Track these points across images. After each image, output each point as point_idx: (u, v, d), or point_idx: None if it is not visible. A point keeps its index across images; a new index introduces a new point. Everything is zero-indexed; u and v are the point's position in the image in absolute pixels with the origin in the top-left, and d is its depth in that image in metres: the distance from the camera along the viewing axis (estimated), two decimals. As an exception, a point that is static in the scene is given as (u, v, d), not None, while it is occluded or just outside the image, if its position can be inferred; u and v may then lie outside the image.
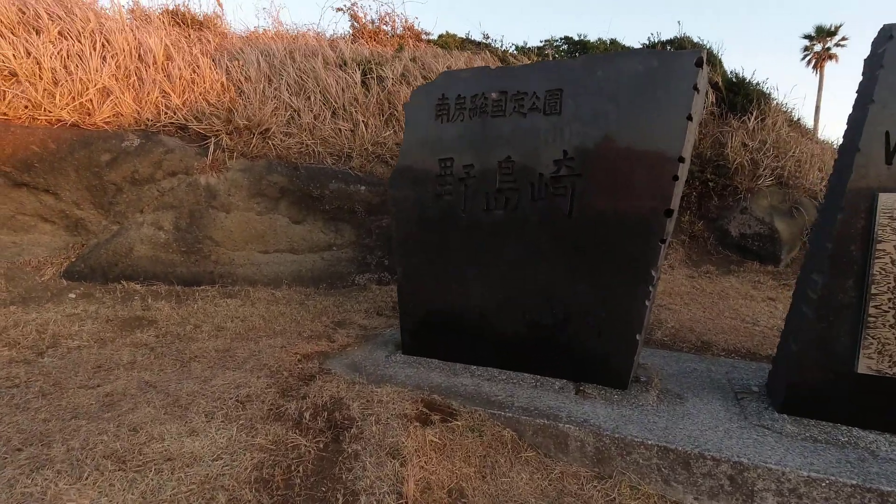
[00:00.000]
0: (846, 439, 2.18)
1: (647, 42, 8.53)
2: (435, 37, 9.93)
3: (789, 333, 2.52)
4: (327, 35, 7.95)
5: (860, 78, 2.28)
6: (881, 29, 2.16)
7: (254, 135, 4.53)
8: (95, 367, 2.67)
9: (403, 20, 9.10)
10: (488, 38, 8.69)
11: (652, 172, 2.41)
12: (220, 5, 10.20)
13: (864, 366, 2.19)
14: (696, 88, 2.35)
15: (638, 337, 2.55)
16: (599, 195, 2.52)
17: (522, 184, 2.69)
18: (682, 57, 2.36)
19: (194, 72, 4.71)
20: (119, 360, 2.79)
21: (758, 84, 7.82)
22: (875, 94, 2.10)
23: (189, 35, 5.60)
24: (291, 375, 2.66)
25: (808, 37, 31.08)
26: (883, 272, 2.12)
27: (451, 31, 10.08)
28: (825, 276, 2.24)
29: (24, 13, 4.50)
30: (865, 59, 2.29)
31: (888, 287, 2.12)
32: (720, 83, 7.60)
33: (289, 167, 4.58)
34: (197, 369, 2.68)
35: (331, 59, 5.80)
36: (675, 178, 2.38)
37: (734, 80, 7.83)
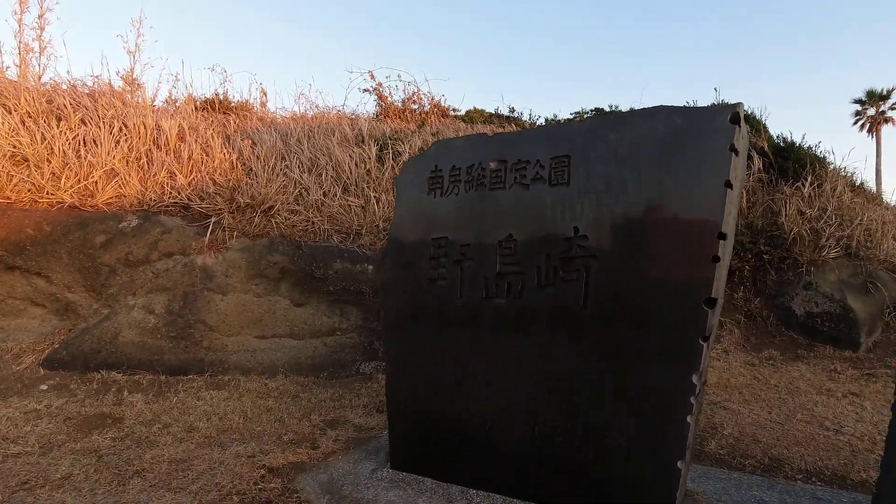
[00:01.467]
0: None
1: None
2: (462, 113, 10.07)
3: (887, 467, 1.86)
4: (357, 115, 8.16)
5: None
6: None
7: (257, 212, 4.38)
8: (21, 483, 2.29)
9: (430, 98, 9.28)
10: (514, 111, 8.66)
11: (685, 252, 1.93)
12: (263, 93, 10.77)
13: None
14: (733, 150, 1.92)
15: (680, 465, 1.95)
16: (620, 281, 2.05)
17: (527, 267, 2.26)
18: (712, 113, 1.96)
19: (205, 152, 4.71)
20: (54, 473, 2.40)
21: (810, 148, 7.28)
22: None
23: (210, 119, 5.74)
24: (243, 502, 2.18)
25: (858, 101, 30.43)
26: None
27: (479, 107, 10.21)
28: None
29: (51, 102, 4.69)
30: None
31: None
32: (766, 148, 7.12)
33: (291, 246, 4.36)
34: (133, 490, 2.25)
35: (349, 137, 5.78)
36: (716, 258, 1.89)
37: (782, 144, 7.34)
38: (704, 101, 8.44)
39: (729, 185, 1.93)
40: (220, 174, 4.56)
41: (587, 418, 2.11)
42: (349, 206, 4.90)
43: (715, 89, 15.39)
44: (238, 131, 5.55)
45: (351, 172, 5.20)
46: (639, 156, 2.05)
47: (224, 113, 6.44)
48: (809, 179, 6.71)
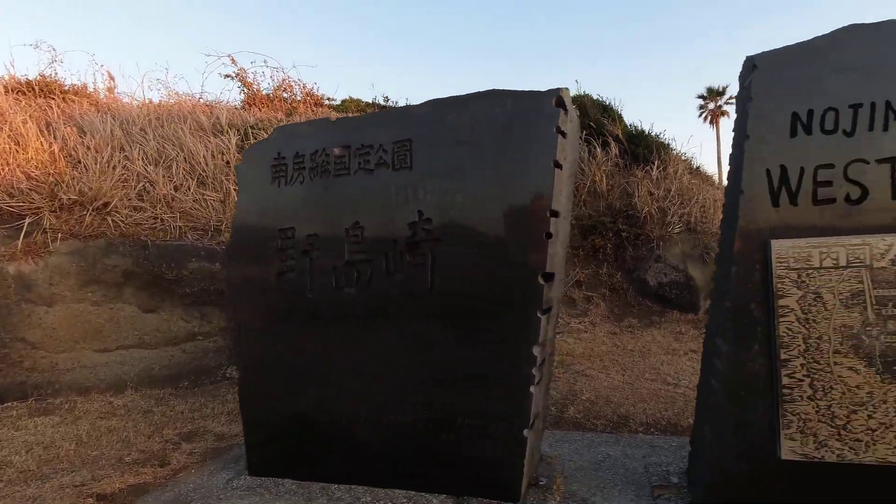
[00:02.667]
0: (783, 552, 1.75)
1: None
2: (339, 102, 9.79)
3: (701, 413, 2.14)
4: (217, 103, 7.51)
5: (733, 114, 2.08)
6: (744, 61, 1.99)
7: (88, 210, 3.85)
8: None
9: (302, 86, 8.87)
10: (388, 100, 8.59)
11: (521, 231, 2.03)
12: (110, 77, 9.44)
13: (788, 450, 1.82)
14: (560, 132, 2.05)
15: (526, 433, 2.06)
16: (464, 262, 2.11)
17: (375, 254, 2.24)
18: (539, 97, 2.07)
19: (15, 142, 4.03)
20: None
21: (657, 135, 8.16)
22: (749, 129, 1.87)
23: (27, 103, 4.93)
24: (59, 542, 1.91)
25: (701, 97, 34.88)
26: (790, 333, 1.80)
27: (356, 97, 10.00)
28: (728, 342, 1.90)
29: None
30: (736, 97, 2.10)
31: (799, 351, 1.80)
32: (621, 136, 7.84)
33: (135, 246, 3.91)
34: None
35: (204, 125, 5.31)
36: (549, 235, 2.01)
37: (634, 132, 8.13)
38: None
39: (558, 165, 2.06)
40: (38, 167, 3.92)
41: (445, 402, 2.16)
42: (206, 200, 4.51)
43: (576, 81, 16.59)
44: (62, 118, 4.82)
45: (207, 164, 4.79)
46: (476, 138, 2.12)
47: (47, 97, 5.56)
48: (657, 164, 7.52)
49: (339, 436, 2.33)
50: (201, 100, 6.93)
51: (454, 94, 2.19)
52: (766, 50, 1.91)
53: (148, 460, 2.77)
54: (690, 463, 2.30)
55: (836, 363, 1.77)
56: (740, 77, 2.02)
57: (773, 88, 1.85)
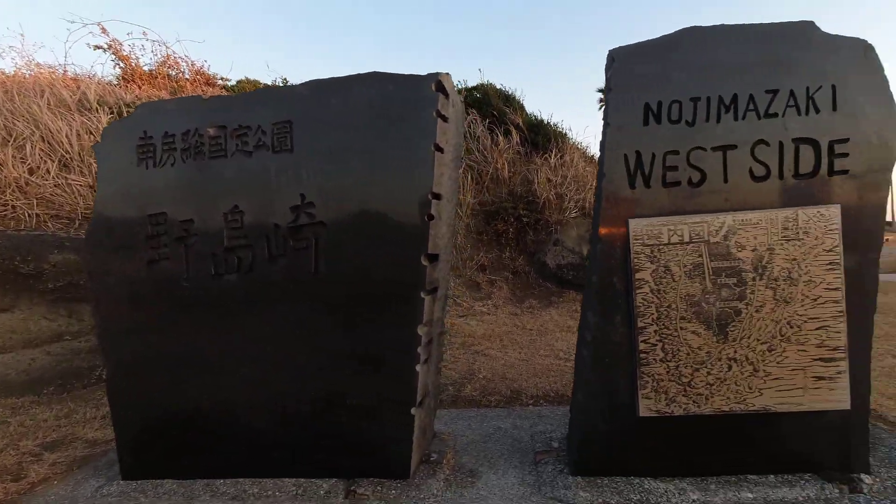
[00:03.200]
0: (638, 497, 1.97)
1: (457, 87, 8.90)
2: (234, 82, 9.21)
3: (577, 381, 2.32)
4: (86, 76, 6.70)
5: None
6: (607, 55, 2.14)
7: (-87, 198, 3.31)
8: None
9: (189, 63, 8.22)
10: (287, 82, 8.24)
11: (403, 213, 2.07)
12: None
13: (645, 408, 2.04)
14: (440, 115, 2.10)
15: (413, 412, 2.12)
16: (348, 245, 2.10)
17: (256, 239, 2.16)
18: (419, 81, 2.10)
19: None
20: None
21: (555, 125, 8.60)
22: (609, 118, 2.04)
23: None
24: None
25: (601, 90, 37.16)
26: (645, 303, 2.01)
27: (253, 78, 9.45)
28: (596, 314, 2.08)
29: None
30: (603, 88, 2.27)
31: (652, 318, 2.01)
32: (522, 124, 8.17)
33: (-21, 238, 3.43)
34: None
35: (67, 101, 4.74)
36: (431, 217, 2.06)
37: (534, 121, 8.50)
38: (473, 82, 9.26)
39: (439, 148, 2.11)
40: None
41: (337, 386, 2.16)
42: (70, 185, 4.05)
43: (479, 70, 17.01)
44: None
45: (72, 145, 4.29)
46: (357, 121, 2.11)
47: None
48: (555, 152, 7.94)
49: (232, 425, 2.25)
50: (66, 73, 6.16)
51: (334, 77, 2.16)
52: (623, 45, 2.08)
53: (-1, 476, 2.48)
54: (569, 428, 2.49)
55: (681, 328, 2.01)
56: (605, 70, 2.19)
57: (629, 81, 2.03)
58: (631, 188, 2.02)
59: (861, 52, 1.96)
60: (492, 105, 8.29)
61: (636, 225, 2.00)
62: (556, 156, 7.88)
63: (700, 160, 1.99)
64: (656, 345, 2.02)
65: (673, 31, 2.05)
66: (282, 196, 2.14)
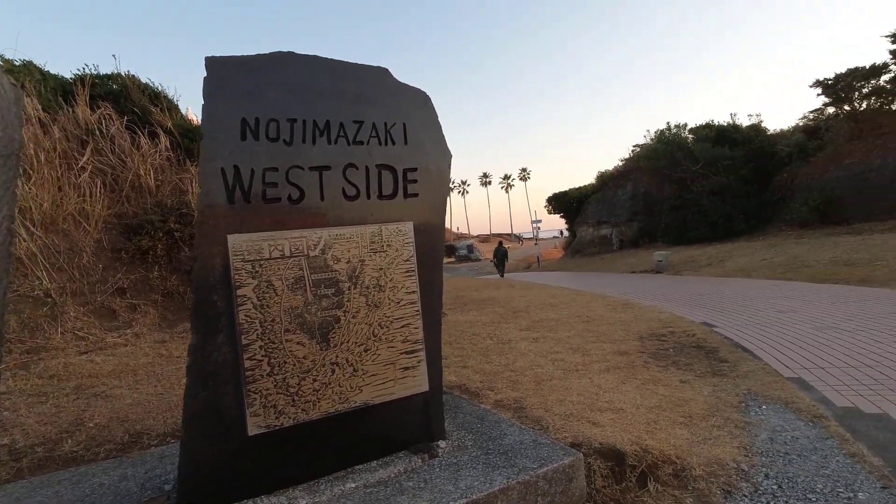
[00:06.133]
0: (246, 520, 1.94)
1: (79, 73, 7.37)
2: None
3: (185, 410, 2.15)
4: None
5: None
6: (204, 61, 2.07)
7: None
8: None
9: None
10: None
11: None
12: None
13: (254, 426, 2.04)
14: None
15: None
16: None
17: None
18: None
19: None
20: None
21: (214, 131, 8.06)
22: (203, 128, 1.98)
23: None
24: None
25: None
26: (249, 319, 2.02)
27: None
28: (199, 335, 1.96)
29: None
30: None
31: (257, 334, 2.03)
32: (172, 128, 7.36)
33: None
34: None
35: None
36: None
37: (189, 126, 7.79)
38: (107, 69, 7.86)
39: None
40: None
41: None
42: None
43: (114, 56, 14.98)
44: None
45: None
46: None
47: None
48: (213, 160, 7.43)
49: None
50: None
51: None
52: (222, 55, 2.05)
53: None
54: (178, 463, 2.29)
55: (287, 340, 2.09)
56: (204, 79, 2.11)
57: (225, 92, 2.01)
58: (230, 203, 1.99)
59: (423, 100, 2.48)
60: (133, 101, 7.19)
61: (236, 240, 1.99)
62: (215, 165, 7.39)
63: (299, 178, 2.13)
64: (262, 360, 2.05)
65: (273, 52, 2.14)
66: None
